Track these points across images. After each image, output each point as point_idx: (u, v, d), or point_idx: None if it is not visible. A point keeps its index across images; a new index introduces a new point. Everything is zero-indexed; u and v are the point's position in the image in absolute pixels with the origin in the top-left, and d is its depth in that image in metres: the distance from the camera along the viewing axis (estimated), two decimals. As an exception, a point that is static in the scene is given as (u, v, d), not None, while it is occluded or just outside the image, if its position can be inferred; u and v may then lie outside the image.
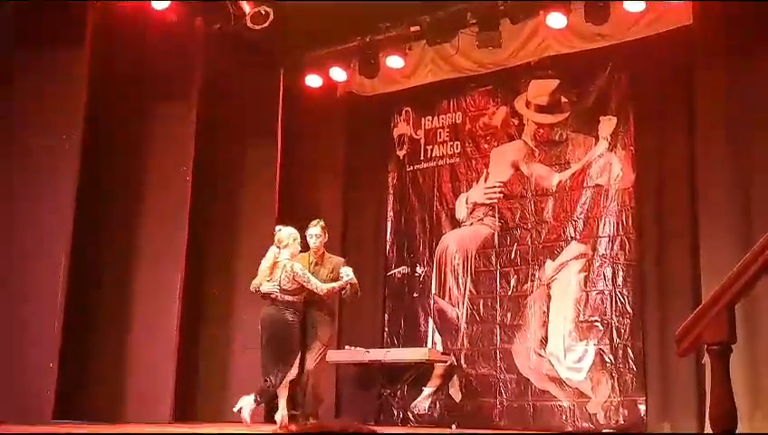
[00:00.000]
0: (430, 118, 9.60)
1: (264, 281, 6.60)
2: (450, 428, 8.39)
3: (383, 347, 8.88)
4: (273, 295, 6.56)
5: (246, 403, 6.53)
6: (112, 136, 8.00)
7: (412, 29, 8.77)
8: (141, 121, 8.20)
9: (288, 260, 6.57)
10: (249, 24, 8.00)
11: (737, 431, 2.29)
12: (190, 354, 8.23)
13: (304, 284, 6.52)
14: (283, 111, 9.19)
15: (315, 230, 6.88)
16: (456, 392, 8.65)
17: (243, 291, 8.74)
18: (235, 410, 6.56)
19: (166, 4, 7.85)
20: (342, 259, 7.15)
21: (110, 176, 7.99)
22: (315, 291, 6.56)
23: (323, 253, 6.95)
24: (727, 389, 2.25)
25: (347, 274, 6.75)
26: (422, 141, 9.60)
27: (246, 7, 7.99)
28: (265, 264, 6.65)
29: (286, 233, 6.71)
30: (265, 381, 6.59)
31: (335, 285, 6.70)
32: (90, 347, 7.59)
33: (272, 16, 7.93)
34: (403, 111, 9.79)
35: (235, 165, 9.13)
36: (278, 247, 6.66)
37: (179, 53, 8.19)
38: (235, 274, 8.84)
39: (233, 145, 9.12)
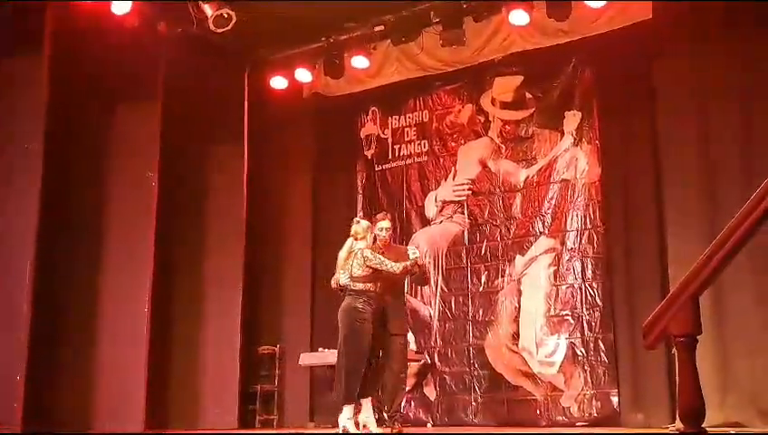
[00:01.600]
0: (397, 117, 9.61)
1: (340, 273, 6.45)
2: (426, 426, 8.41)
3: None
4: (347, 286, 6.40)
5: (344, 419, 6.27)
6: (76, 140, 7.92)
7: (376, 29, 8.77)
8: (105, 125, 8.14)
9: (360, 249, 6.45)
10: (212, 28, 7.94)
11: (706, 422, 2.30)
12: (161, 359, 8.15)
13: (378, 266, 6.28)
14: (248, 112, 9.16)
15: (385, 224, 6.81)
16: (430, 391, 8.66)
17: (212, 292, 8.72)
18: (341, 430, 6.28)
19: (127, 8, 7.77)
20: (406, 246, 7.12)
21: (74, 180, 7.91)
22: (390, 270, 6.28)
23: (389, 244, 6.86)
24: (694, 379, 2.26)
25: (414, 252, 6.61)
26: (390, 141, 9.60)
27: (209, 10, 7.93)
28: (342, 255, 6.50)
29: (364, 225, 6.60)
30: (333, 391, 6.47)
31: (407, 263, 6.46)
32: (58, 354, 7.49)
33: (234, 19, 7.88)
34: (370, 111, 9.79)
35: (202, 167, 9.09)
36: (355, 239, 6.56)
37: (142, 56, 8.14)
38: (204, 275, 8.80)
39: (199, 147, 9.07)
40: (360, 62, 9.00)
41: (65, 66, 7.36)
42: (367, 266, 6.28)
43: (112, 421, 7.46)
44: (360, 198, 9.67)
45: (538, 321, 8.19)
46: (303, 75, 9.30)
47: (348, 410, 6.17)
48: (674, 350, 2.36)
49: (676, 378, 2.38)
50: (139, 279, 7.88)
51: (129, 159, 8.22)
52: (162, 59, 8.27)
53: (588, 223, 8.09)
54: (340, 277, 6.42)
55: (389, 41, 8.88)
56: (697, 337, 2.29)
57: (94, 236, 7.97)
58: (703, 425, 2.25)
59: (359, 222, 6.68)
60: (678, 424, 2.36)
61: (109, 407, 7.58)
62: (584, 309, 7.96)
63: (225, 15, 7.91)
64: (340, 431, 6.16)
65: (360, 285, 6.31)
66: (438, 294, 8.90)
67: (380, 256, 6.37)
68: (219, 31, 8.00)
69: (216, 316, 8.71)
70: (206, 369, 8.58)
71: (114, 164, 8.24)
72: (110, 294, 7.87)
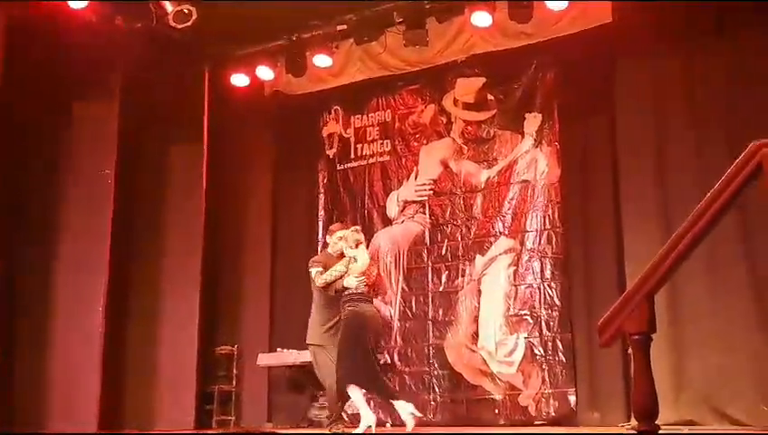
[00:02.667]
0: (360, 116, 9.59)
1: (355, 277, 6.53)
2: (385, 426, 8.39)
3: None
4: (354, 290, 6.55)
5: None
6: (31, 138, 7.80)
7: (339, 28, 8.75)
8: (61, 122, 8.03)
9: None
10: (171, 24, 7.85)
11: (660, 420, 2.33)
12: (116, 358, 8.07)
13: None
14: (209, 110, 9.07)
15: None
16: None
17: (170, 291, 8.63)
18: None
19: (83, 4, 7.66)
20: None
21: (29, 178, 7.79)
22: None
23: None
24: (648, 377, 2.29)
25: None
26: (352, 140, 9.58)
27: (169, 6, 7.84)
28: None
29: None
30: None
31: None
32: (11, 353, 7.37)
33: (195, 15, 7.80)
34: (332, 110, 9.76)
35: (160, 165, 9.00)
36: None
37: (99, 53, 8.03)
38: (161, 274, 8.71)
39: (158, 145, 8.98)
40: (322, 60, 8.97)
41: (20, 63, 7.25)
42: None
43: (66, 421, 7.35)
44: (321, 197, 9.63)
45: (497, 320, 8.24)
46: (265, 73, 9.24)
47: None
48: (629, 349, 2.38)
49: (632, 377, 2.41)
50: (95, 278, 7.80)
51: (85, 157, 8.13)
52: (120, 55, 8.18)
53: (547, 223, 8.17)
54: (355, 281, 6.44)
55: (352, 40, 8.86)
56: (652, 335, 2.32)
57: (49, 234, 7.86)
58: (657, 423, 2.28)
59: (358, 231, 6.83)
60: (633, 423, 2.38)
61: (62, 407, 7.48)
62: (543, 309, 8.03)
63: (186, 11, 7.83)
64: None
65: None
66: (399, 293, 8.91)
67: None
68: (179, 27, 7.91)
69: (174, 316, 8.63)
70: (162, 369, 8.49)
71: (70, 162, 8.14)
72: (64, 293, 7.77)
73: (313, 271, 6.67)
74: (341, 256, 6.67)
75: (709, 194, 2.31)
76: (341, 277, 6.49)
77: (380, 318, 6.92)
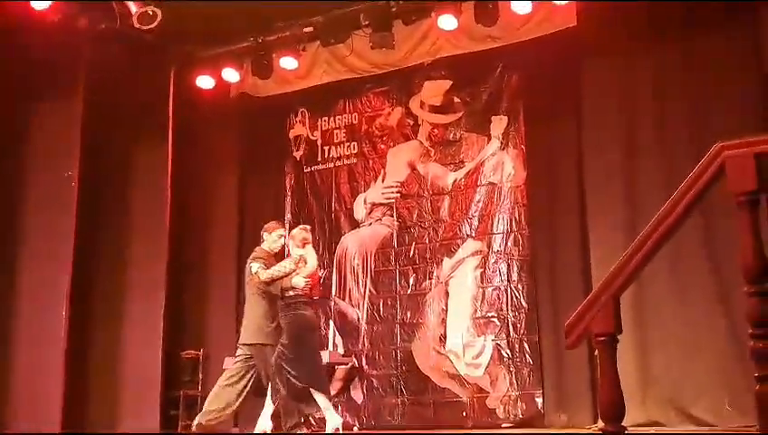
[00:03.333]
0: (326, 119, 9.56)
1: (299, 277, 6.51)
2: (352, 430, 8.37)
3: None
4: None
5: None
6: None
7: (305, 30, 8.72)
8: (23, 123, 7.91)
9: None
10: (136, 25, 7.75)
11: (627, 421, 2.34)
12: (80, 361, 7.99)
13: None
14: (174, 112, 8.98)
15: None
16: (357, 394, 8.63)
17: (134, 294, 8.54)
18: None
19: (46, 4, 7.54)
20: None
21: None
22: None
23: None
24: (614, 378, 2.30)
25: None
26: (319, 142, 9.55)
27: (133, 7, 7.75)
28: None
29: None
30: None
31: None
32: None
33: (160, 16, 7.71)
34: (299, 112, 9.72)
35: (125, 167, 8.92)
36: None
37: (62, 54, 7.95)
38: (126, 277, 8.63)
39: (122, 147, 8.90)
40: (288, 62, 8.92)
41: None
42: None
43: (28, 422, 7.26)
44: (288, 199, 9.58)
45: (465, 323, 8.25)
46: (231, 75, 9.16)
47: None
48: (596, 351, 2.38)
49: (598, 379, 2.41)
50: (58, 280, 7.73)
51: (48, 159, 8.04)
52: (84, 56, 8.09)
53: (513, 226, 8.20)
54: (303, 281, 6.37)
55: (319, 42, 8.84)
56: (618, 336, 2.32)
57: (11, 235, 7.75)
58: (624, 424, 2.28)
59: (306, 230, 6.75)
60: (600, 424, 2.39)
61: (24, 408, 7.38)
62: (510, 311, 8.05)
63: (151, 13, 7.74)
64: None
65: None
66: (367, 296, 8.89)
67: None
68: (144, 28, 7.82)
69: (138, 319, 8.54)
70: (127, 373, 8.41)
71: (33, 163, 8.06)
72: (27, 295, 7.71)
73: (256, 265, 6.54)
74: (280, 254, 6.63)
75: (673, 196, 2.33)
76: (287, 275, 6.42)
77: (318, 320, 6.99)
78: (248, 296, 6.70)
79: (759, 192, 2.19)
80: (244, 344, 6.61)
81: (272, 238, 6.80)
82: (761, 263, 2.17)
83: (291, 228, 9.42)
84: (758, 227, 2.20)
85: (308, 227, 7.03)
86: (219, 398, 6.53)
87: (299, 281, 6.39)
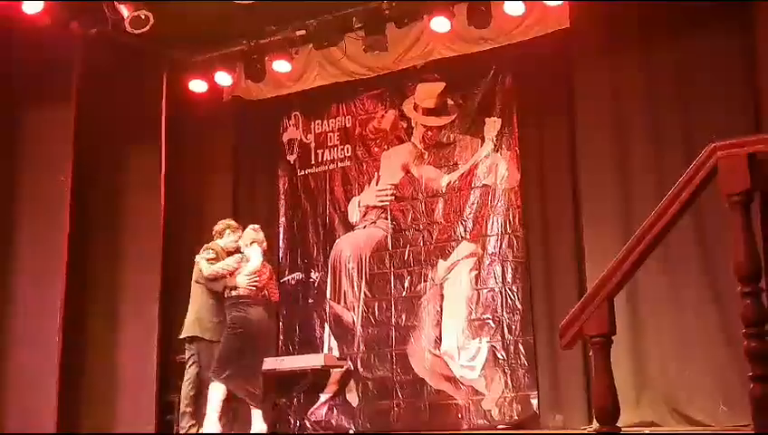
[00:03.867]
0: (320, 122, 9.55)
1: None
2: (348, 433, 8.37)
3: (278, 355, 8.75)
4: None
5: None
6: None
7: (298, 33, 8.70)
8: (16, 128, 7.89)
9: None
10: (128, 29, 7.73)
11: (622, 421, 2.34)
12: (74, 366, 7.97)
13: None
14: (167, 116, 8.96)
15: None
16: (353, 397, 8.62)
17: (128, 298, 8.52)
18: None
19: (38, 7, 7.52)
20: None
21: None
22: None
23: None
24: (609, 379, 2.30)
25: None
26: (312, 146, 9.54)
27: (125, 11, 7.72)
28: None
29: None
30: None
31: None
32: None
33: (152, 20, 7.68)
34: (292, 116, 9.70)
35: (118, 171, 8.88)
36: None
37: (55, 57, 7.95)
38: (120, 281, 8.60)
39: (115, 151, 8.87)
40: (281, 66, 8.91)
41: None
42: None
43: (23, 428, 7.25)
44: (282, 203, 9.56)
45: (460, 325, 8.25)
46: (223, 79, 9.14)
47: None
48: (591, 351, 2.38)
49: (593, 379, 2.42)
50: (52, 283, 7.73)
51: (41, 163, 8.01)
52: (76, 60, 8.06)
53: (508, 228, 8.20)
54: (245, 280, 6.36)
55: (311, 45, 8.84)
56: (612, 338, 2.33)
57: (5, 240, 7.73)
58: (618, 424, 2.28)
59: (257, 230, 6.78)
60: (595, 425, 2.39)
61: (19, 413, 7.38)
62: (505, 313, 8.05)
63: (143, 17, 7.71)
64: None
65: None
66: (362, 299, 8.88)
67: None
68: (136, 32, 7.80)
69: (133, 323, 8.51)
70: (122, 378, 8.37)
71: (26, 167, 8.03)
72: (22, 299, 7.69)
73: (204, 257, 6.57)
74: (234, 252, 6.63)
75: (666, 197, 2.33)
76: (230, 274, 6.40)
77: (268, 322, 6.87)
78: (193, 289, 6.66)
79: (752, 192, 2.19)
80: (184, 339, 6.60)
81: (232, 238, 6.79)
82: (754, 263, 2.17)
83: (285, 232, 9.46)
84: (751, 227, 2.21)
85: (258, 226, 6.94)
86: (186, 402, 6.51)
87: (241, 280, 6.39)
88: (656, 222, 2.31)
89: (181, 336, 6.64)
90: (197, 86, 9.18)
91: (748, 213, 2.21)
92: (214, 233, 6.91)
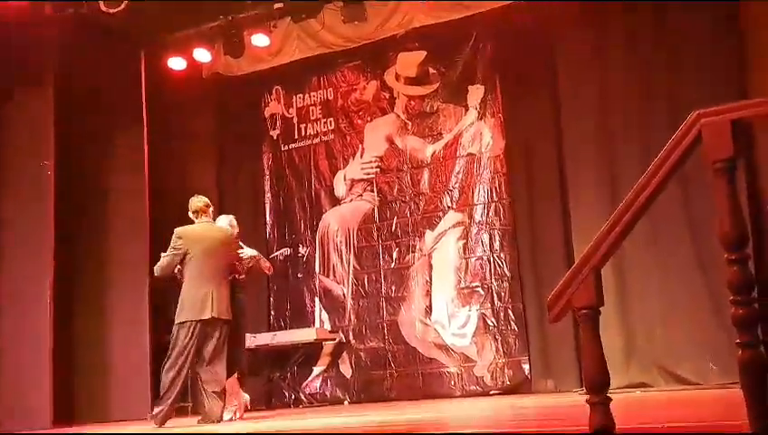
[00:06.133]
0: (301, 96, 9.49)
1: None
2: (343, 404, 8.43)
3: (270, 331, 8.77)
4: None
5: None
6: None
7: (275, 6, 8.58)
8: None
9: None
10: (103, 9, 7.61)
11: (613, 384, 2.35)
12: (67, 354, 7.95)
13: None
14: (147, 94, 8.86)
15: None
16: (346, 369, 8.68)
17: (118, 281, 8.48)
18: None
19: (11, -9, 7.40)
20: None
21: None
22: None
23: None
24: (598, 350, 2.30)
25: None
26: (295, 120, 9.49)
27: (99, -10, 7.60)
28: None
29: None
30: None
31: None
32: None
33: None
34: (273, 90, 9.64)
35: (101, 153, 8.79)
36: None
37: (30, 40, 7.81)
38: (108, 265, 8.56)
39: (97, 132, 8.77)
40: (260, 40, 8.82)
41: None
42: None
43: (20, 421, 7.23)
44: (267, 179, 9.53)
45: (449, 294, 8.30)
46: (202, 55, 9.05)
47: None
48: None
49: (582, 350, 2.42)
50: (40, 272, 7.67)
51: (23, 148, 7.93)
52: (52, 42, 7.95)
53: (494, 196, 8.22)
54: None
55: (290, 18, 8.74)
56: (600, 309, 2.33)
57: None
58: (610, 388, 2.30)
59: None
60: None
61: (13, 405, 7.36)
62: (493, 280, 8.10)
63: (117, -3, 7.61)
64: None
65: None
66: (351, 272, 8.90)
67: None
68: (111, 12, 7.68)
69: (124, 305, 8.49)
70: (115, 360, 8.37)
71: (7, 153, 7.94)
72: (10, 290, 7.66)
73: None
74: None
75: (651, 165, 2.32)
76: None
77: None
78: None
79: (735, 159, 2.19)
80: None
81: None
82: (739, 230, 2.17)
83: (271, 209, 9.43)
84: (736, 194, 2.20)
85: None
86: None
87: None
88: (641, 192, 2.30)
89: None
90: (176, 64, 9.09)
91: (733, 180, 2.20)
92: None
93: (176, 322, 6.08)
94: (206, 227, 6.44)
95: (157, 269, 6.39)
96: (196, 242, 6.25)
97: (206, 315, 6.01)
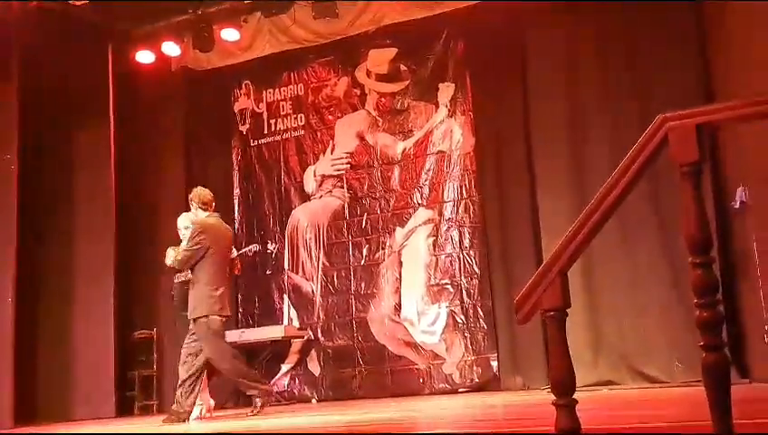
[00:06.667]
0: (271, 91, 9.43)
1: None
2: (311, 402, 8.40)
3: (238, 328, 8.70)
4: None
5: None
6: None
7: (246, 0, 8.52)
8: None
9: None
10: (70, 0, 7.49)
11: (580, 381, 2.35)
12: (29, 351, 7.88)
13: None
14: (114, 89, 8.77)
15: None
16: (314, 366, 8.64)
17: (83, 278, 8.38)
18: None
19: (-27, -19, 7.25)
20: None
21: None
22: None
23: None
24: (564, 352, 2.30)
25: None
26: (265, 115, 9.42)
27: (64, -20, 7.49)
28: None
29: None
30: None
31: None
32: None
33: (94, -10, 7.47)
34: (243, 85, 9.56)
35: (67, 148, 8.71)
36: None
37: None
38: (73, 260, 8.46)
39: (63, 126, 8.68)
40: (230, 34, 8.75)
41: None
42: None
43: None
44: (236, 174, 9.46)
45: (419, 291, 8.30)
46: (171, 49, 8.95)
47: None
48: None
49: (549, 352, 2.42)
50: (2, 267, 7.52)
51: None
52: (16, 35, 7.81)
53: (464, 193, 8.23)
54: None
55: (260, 13, 8.67)
56: (567, 311, 2.33)
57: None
58: (576, 384, 2.29)
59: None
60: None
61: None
62: (463, 277, 8.12)
63: (84, -14, 7.50)
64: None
65: None
66: (320, 269, 8.86)
67: None
68: (78, 4, 7.57)
69: (89, 303, 8.42)
70: (79, 357, 8.30)
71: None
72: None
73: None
74: None
75: (618, 167, 2.32)
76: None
77: None
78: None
79: (701, 163, 2.19)
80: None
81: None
82: (704, 234, 2.18)
83: (240, 204, 9.36)
84: (702, 198, 2.21)
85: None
86: None
87: None
88: (607, 194, 2.29)
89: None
90: (144, 57, 8.99)
91: (699, 183, 2.21)
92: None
93: (196, 316, 6.03)
94: (220, 222, 6.41)
95: (176, 263, 6.25)
96: (216, 238, 6.20)
97: (226, 312, 6.10)
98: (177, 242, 6.56)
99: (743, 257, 5.88)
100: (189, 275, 6.30)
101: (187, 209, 6.65)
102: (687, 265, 2.21)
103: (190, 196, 6.39)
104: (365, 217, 8.71)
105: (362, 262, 8.66)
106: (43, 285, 8.29)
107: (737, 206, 5.71)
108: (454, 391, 7.89)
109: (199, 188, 6.43)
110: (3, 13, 7.66)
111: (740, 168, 5.90)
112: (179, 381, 6.12)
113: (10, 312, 7.43)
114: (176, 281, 6.78)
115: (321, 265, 8.87)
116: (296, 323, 8.79)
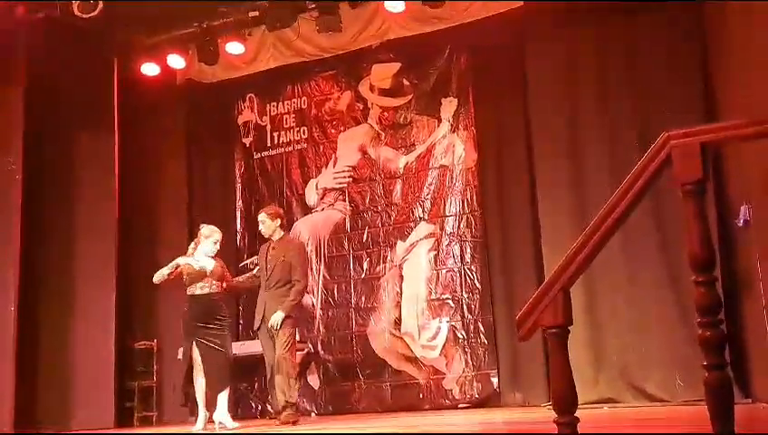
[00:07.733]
0: (275, 104, 9.45)
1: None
2: (310, 416, 8.36)
3: (238, 340, 8.68)
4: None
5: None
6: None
7: (250, 14, 8.57)
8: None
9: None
10: (77, 13, 7.52)
11: (581, 399, 2.35)
12: (31, 359, 7.88)
13: None
14: (119, 100, 8.82)
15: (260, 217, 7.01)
16: (314, 380, 8.62)
17: (84, 287, 8.37)
18: None
19: (-19, -8, 7.30)
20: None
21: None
22: None
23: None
24: (566, 369, 2.30)
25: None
26: (268, 128, 9.44)
27: (73, -4, 7.53)
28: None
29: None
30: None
31: None
32: None
33: (101, 5, 7.49)
34: (247, 98, 9.59)
35: (70, 157, 8.73)
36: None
37: (1, 42, 7.68)
38: (75, 269, 8.47)
39: (67, 137, 8.70)
40: (234, 48, 8.80)
41: None
42: None
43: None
44: (238, 186, 9.47)
45: (419, 305, 8.28)
46: (176, 61, 9.00)
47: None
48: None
49: (550, 369, 2.41)
50: (5, 275, 7.60)
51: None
52: (23, 45, 7.87)
53: (466, 208, 8.23)
54: None
55: (264, 27, 8.71)
56: (569, 328, 2.33)
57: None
58: (578, 405, 2.29)
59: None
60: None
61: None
62: (464, 292, 8.10)
63: (92, 1, 7.53)
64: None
65: None
66: (321, 282, 8.85)
67: None
68: (85, 16, 7.60)
69: (89, 312, 8.40)
70: (79, 367, 8.27)
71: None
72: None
73: None
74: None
75: (621, 186, 2.32)
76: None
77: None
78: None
79: (704, 181, 2.20)
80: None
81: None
82: (708, 252, 2.18)
83: (241, 216, 9.38)
84: (705, 216, 2.21)
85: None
86: None
87: None
88: (610, 213, 2.30)
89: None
90: (150, 69, 9.03)
91: (702, 202, 2.21)
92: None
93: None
94: None
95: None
96: None
97: None
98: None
99: (746, 276, 5.86)
100: (213, 287, 6.60)
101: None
102: (689, 281, 2.22)
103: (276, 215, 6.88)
104: (366, 231, 8.71)
105: (363, 275, 8.65)
106: (45, 291, 8.28)
107: (741, 224, 5.69)
108: (453, 407, 7.85)
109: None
110: (11, 23, 7.70)
111: (744, 185, 5.89)
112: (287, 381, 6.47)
113: (12, 320, 7.43)
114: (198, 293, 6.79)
115: (321, 278, 8.86)
116: (296, 337, 8.75)
